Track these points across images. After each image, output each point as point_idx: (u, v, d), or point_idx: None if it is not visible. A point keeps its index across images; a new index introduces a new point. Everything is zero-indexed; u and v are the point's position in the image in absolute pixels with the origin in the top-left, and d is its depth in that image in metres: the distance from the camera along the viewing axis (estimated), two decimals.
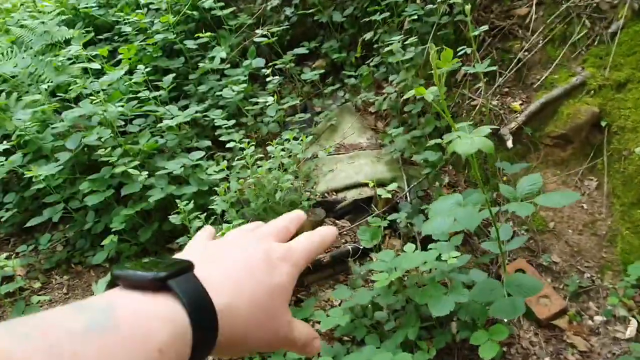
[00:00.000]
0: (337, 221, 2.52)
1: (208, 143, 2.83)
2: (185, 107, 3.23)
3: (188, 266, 0.39)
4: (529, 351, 1.91)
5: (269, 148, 2.25)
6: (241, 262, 0.43)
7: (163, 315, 0.35)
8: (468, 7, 1.94)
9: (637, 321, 1.90)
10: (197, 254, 0.45)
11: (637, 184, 2.14)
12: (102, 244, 2.22)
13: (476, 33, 2.13)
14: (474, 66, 2.05)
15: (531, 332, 1.97)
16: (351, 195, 2.58)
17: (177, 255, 0.44)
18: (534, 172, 2.46)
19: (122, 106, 2.63)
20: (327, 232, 0.52)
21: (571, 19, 2.61)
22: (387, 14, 2.94)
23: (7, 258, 2.27)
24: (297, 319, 0.47)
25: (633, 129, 2.21)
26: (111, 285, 0.38)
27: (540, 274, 2.15)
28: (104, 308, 0.33)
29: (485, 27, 2.22)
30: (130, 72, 3.16)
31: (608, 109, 2.33)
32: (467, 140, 0.95)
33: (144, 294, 0.36)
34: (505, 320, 1.94)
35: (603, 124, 2.32)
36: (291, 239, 0.51)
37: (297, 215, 0.54)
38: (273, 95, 3.04)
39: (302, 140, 2.19)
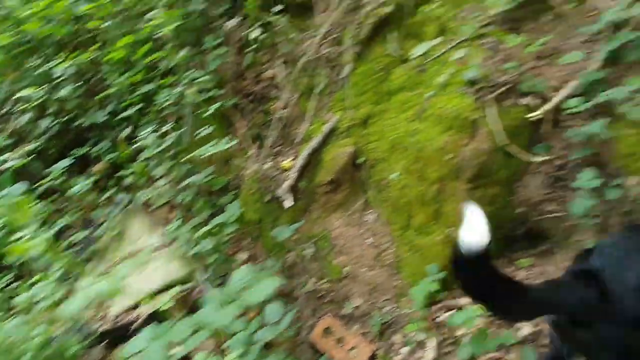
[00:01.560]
0: None
1: None
2: None
3: None
4: None
5: (16, 299, 1.89)
6: None
7: None
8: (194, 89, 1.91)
9: (435, 339, 1.96)
10: None
11: (403, 206, 2.28)
12: None
13: (209, 113, 2.11)
14: (213, 146, 2.01)
15: None
16: (146, 309, 2.32)
17: None
18: (317, 221, 2.50)
19: None
20: None
21: (313, 71, 2.78)
22: (141, 104, 2.83)
23: None
24: None
25: (383, 158, 2.38)
26: None
27: (347, 324, 2.14)
28: None
29: (218, 105, 2.22)
30: None
31: (361, 146, 2.49)
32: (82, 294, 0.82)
33: None
34: None
35: (360, 161, 2.47)
36: None
37: None
38: (39, 225, 2.67)
39: (49, 280, 1.90)
